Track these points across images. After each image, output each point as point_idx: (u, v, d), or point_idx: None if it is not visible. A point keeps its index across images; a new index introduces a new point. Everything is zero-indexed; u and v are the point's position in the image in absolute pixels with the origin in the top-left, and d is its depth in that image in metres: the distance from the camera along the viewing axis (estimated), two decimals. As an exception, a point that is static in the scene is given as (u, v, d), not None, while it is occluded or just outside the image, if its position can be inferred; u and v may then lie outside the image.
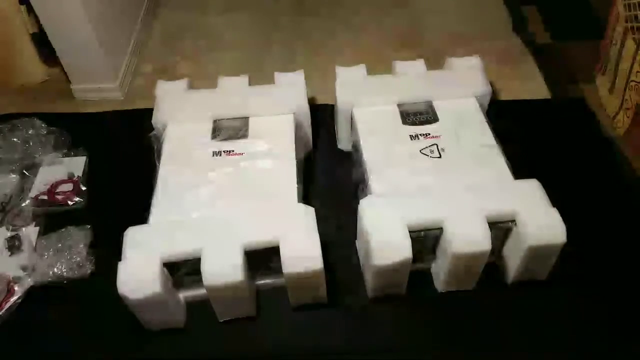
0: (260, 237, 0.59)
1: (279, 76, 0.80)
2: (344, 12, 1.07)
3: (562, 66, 0.93)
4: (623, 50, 0.81)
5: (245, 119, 0.75)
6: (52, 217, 0.74)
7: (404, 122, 0.73)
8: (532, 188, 0.62)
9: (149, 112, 0.76)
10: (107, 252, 0.62)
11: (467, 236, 0.58)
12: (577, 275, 0.65)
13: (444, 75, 0.79)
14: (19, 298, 0.65)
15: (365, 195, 0.66)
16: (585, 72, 0.92)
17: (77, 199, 0.76)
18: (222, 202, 0.65)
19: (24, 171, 0.79)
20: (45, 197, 0.76)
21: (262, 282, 0.66)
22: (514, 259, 0.63)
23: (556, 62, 0.94)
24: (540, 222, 0.59)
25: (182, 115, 0.75)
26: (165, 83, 0.80)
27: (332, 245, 0.69)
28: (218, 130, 0.73)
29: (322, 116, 0.87)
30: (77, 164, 0.81)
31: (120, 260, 0.58)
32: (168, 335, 0.62)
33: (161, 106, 0.76)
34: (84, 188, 0.78)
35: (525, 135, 0.82)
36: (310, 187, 0.77)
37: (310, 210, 0.62)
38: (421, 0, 1.08)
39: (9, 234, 0.71)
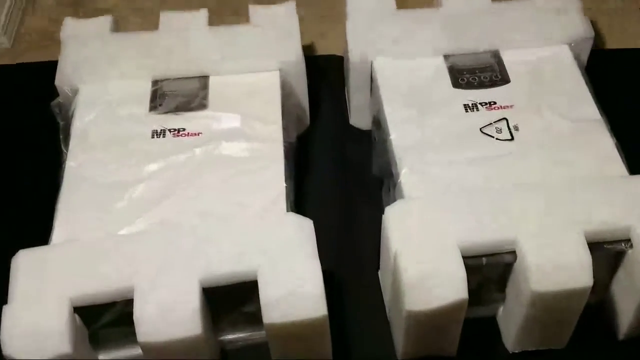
0: (227, 267, 0.59)
1: (256, 11, 0.80)
2: None
3: None
4: None
5: (203, 80, 0.75)
6: None
7: (455, 83, 0.74)
8: (657, 188, 0.63)
9: (50, 68, 0.76)
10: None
11: (555, 265, 0.58)
12: None
13: (520, 9, 0.79)
14: None
15: (394, 199, 0.66)
16: None
17: (-63, 204, 0.77)
18: (167, 210, 0.65)
19: None
20: None
21: (231, 337, 0.66)
22: (628, 302, 0.63)
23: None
24: (671, 242, 0.60)
25: (102, 73, 0.75)
26: (76, 22, 0.80)
27: (341, 277, 0.70)
28: (160, 97, 0.74)
29: (325, 75, 0.88)
30: (-63, 150, 0.81)
31: (5, 302, 0.58)
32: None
33: (69, 58, 0.76)
34: (-52, 187, 0.78)
35: (647, 105, 0.84)
36: (307, 187, 0.77)
37: (306, 224, 0.62)
38: None
39: None
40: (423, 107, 0.72)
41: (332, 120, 0.85)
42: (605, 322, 0.67)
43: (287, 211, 0.64)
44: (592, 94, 0.72)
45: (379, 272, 0.71)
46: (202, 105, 0.73)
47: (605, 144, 0.68)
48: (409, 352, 0.65)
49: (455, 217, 0.61)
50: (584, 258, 0.58)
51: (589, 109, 0.71)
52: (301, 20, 0.79)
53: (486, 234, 0.60)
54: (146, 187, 0.67)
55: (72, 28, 0.79)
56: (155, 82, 0.75)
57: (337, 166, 0.81)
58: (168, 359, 0.58)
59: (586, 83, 0.73)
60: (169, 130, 0.71)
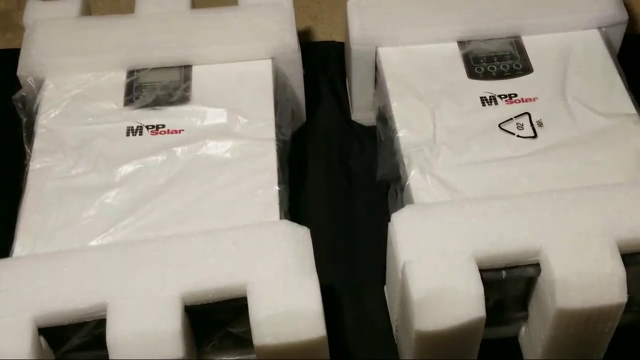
0: (212, 283, 0.59)
1: (245, -8, 0.81)
2: None
3: None
4: None
5: (185, 70, 0.76)
6: None
7: (471, 74, 0.74)
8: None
9: (10, 57, 0.77)
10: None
11: (584, 278, 0.58)
12: None
13: (543, -10, 0.80)
14: None
15: (401, 204, 0.66)
16: None
17: None
18: (143, 219, 0.65)
19: None
20: None
21: (217, 360, 0.67)
22: (668, 320, 0.64)
23: None
24: None
25: (71, 62, 0.75)
26: (41, 4, 0.81)
27: (342, 293, 0.70)
28: (137, 90, 0.74)
29: (324, 64, 0.89)
30: None
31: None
32: None
33: (34, 46, 0.76)
34: None
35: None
36: (303, 191, 0.78)
37: (302, 233, 0.62)
38: None
39: None
40: (435, 101, 0.72)
41: (332, 116, 0.86)
42: (641, 344, 0.67)
43: (281, 218, 0.64)
44: (625, 85, 0.73)
45: (385, 287, 0.71)
46: (184, 99, 0.73)
47: (640, 141, 0.68)
48: (418, 378, 0.65)
49: (471, 225, 0.61)
50: (617, 271, 0.58)
51: (622, 101, 0.71)
52: (297, 1, 0.80)
53: (506, 244, 0.60)
54: (121, 193, 0.67)
55: (37, 11, 0.80)
56: (130, 73, 0.75)
57: (337, 167, 0.82)
58: (145, 387, 0.59)
59: (619, 72, 0.74)
60: (147, 127, 0.71)
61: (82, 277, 0.59)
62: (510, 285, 0.62)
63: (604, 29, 0.77)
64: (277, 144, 0.70)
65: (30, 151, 0.70)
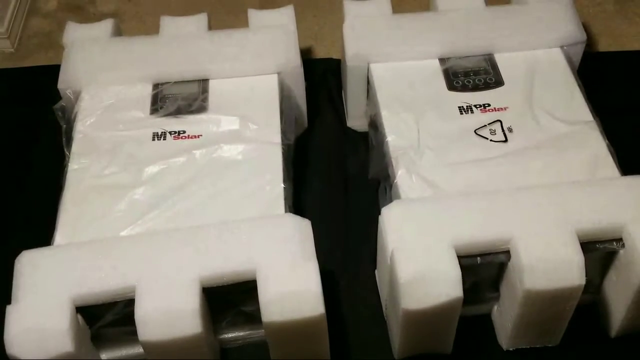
0: (226, 267, 0.59)
1: (255, 15, 0.81)
2: None
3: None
4: None
5: (203, 83, 0.76)
6: None
7: (450, 86, 0.74)
8: (648, 189, 0.63)
9: (52, 72, 0.76)
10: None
11: (548, 264, 0.58)
12: None
13: (513, 13, 0.79)
14: None
15: (390, 199, 0.66)
16: None
17: (-58, 206, 0.77)
18: (166, 212, 0.65)
19: None
20: None
21: (230, 335, 0.66)
22: (619, 300, 0.63)
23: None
24: (663, 242, 0.59)
25: (104, 77, 0.76)
26: (78, 26, 0.80)
27: (339, 277, 0.70)
28: (161, 100, 0.74)
29: (323, 78, 0.89)
30: (-58, 153, 0.81)
31: (9, 302, 0.58)
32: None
33: (72, 62, 0.77)
34: (-47, 190, 0.78)
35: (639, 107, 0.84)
36: (305, 188, 0.77)
37: (304, 225, 0.62)
38: None
39: None
40: (419, 110, 0.72)
41: (330, 123, 0.86)
42: (597, 321, 0.67)
43: (286, 212, 0.64)
44: (584, 96, 0.73)
45: (376, 272, 0.71)
46: (202, 108, 0.73)
47: (597, 145, 0.68)
48: (405, 350, 0.65)
49: (451, 217, 0.61)
50: (577, 257, 0.58)
51: (581, 110, 0.71)
52: (299, 23, 0.80)
53: (480, 234, 0.60)
54: (147, 189, 0.67)
55: (75, 32, 0.80)
56: (155, 86, 0.76)
57: (334, 167, 0.82)
58: (169, 358, 0.59)
59: (578, 85, 0.74)
60: (170, 132, 0.71)
61: (113, 262, 0.60)
62: (484, 270, 0.62)
63: (565, 48, 0.77)
64: (282, 147, 0.70)
65: (69, 153, 0.70)
